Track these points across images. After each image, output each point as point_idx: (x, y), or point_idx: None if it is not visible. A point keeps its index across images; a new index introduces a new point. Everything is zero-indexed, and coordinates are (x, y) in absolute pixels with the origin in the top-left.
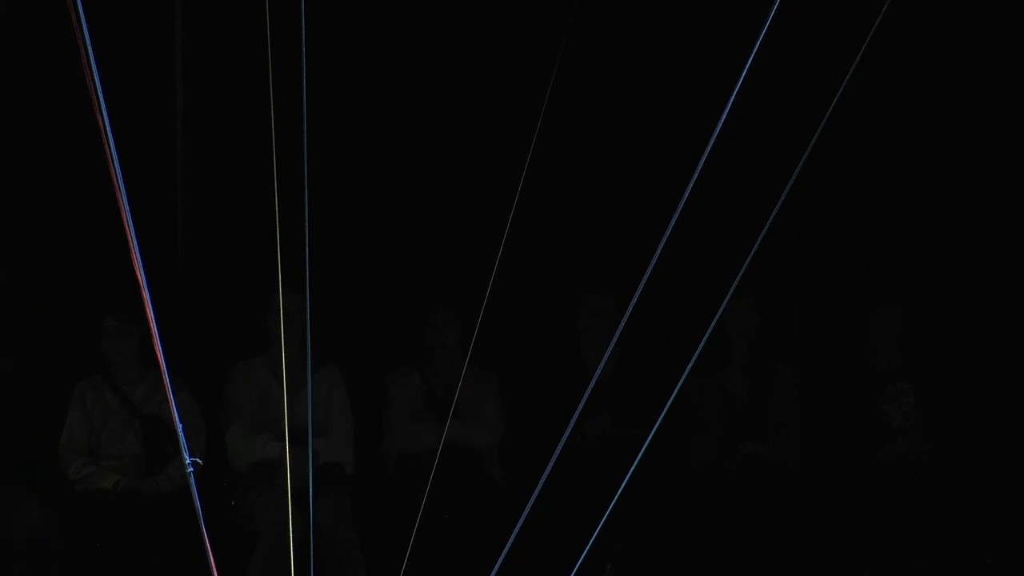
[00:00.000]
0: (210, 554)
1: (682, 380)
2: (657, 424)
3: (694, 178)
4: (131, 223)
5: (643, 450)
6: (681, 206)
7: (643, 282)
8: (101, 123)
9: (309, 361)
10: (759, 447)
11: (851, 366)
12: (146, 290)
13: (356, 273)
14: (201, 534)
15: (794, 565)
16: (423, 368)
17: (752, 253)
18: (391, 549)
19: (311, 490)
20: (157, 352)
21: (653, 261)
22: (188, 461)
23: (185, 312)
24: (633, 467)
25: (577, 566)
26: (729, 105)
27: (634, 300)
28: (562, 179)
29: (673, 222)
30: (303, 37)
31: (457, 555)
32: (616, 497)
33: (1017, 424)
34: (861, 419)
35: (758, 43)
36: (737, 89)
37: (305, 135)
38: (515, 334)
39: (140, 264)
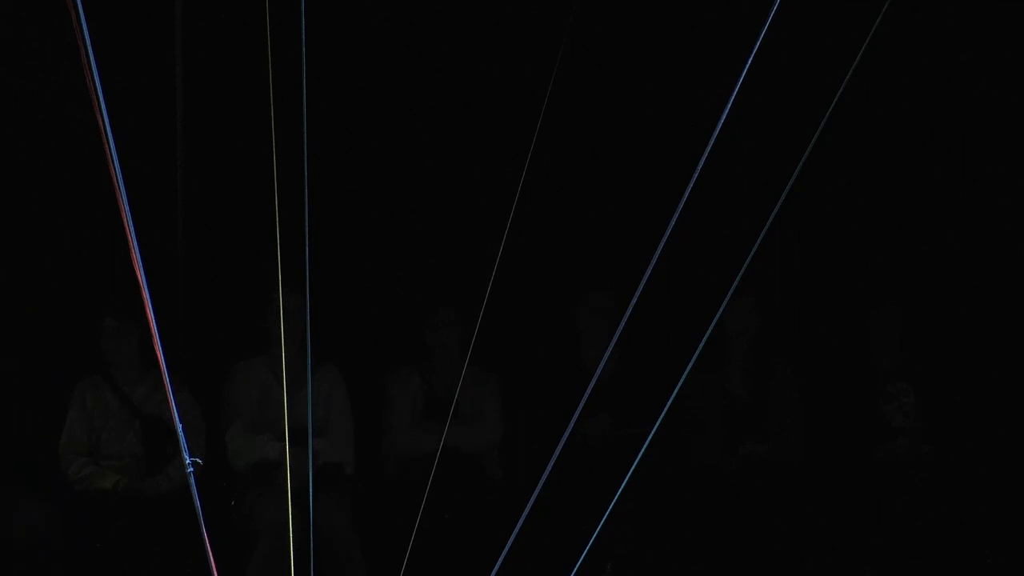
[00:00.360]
0: (210, 554)
1: (682, 380)
2: (657, 424)
3: (694, 178)
4: (131, 223)
5: (643, 450)
6: (681, 206)
7: (643, 282)
8: (101, 123)
9: (309, 361)
10: (759, 447)
11: (851, 366)
12: (146, 290)
13: (356, 273)
14: (201, 534)
15: (794, 565)
16: (423, 368)
17: (752, 253)
18: (391, 549)
19: (311, 490)
20: (157, 352)
21: (653, 261)
22: (188, 461)
23: (185, 312)
24: (633, 467)
25: (577, 566)
26: (729, 105)
27: (634, 300)
28: (562, 179)
29: (673, 222)
30: (303, 37)
31: (457, 555)
32: (616, 497)
33: (1017, 424)
34: (861, 419)
35: (758, 43)
36: (737, 89)
37: (305, 135)
38: (515, 334)
39: (140, 264)
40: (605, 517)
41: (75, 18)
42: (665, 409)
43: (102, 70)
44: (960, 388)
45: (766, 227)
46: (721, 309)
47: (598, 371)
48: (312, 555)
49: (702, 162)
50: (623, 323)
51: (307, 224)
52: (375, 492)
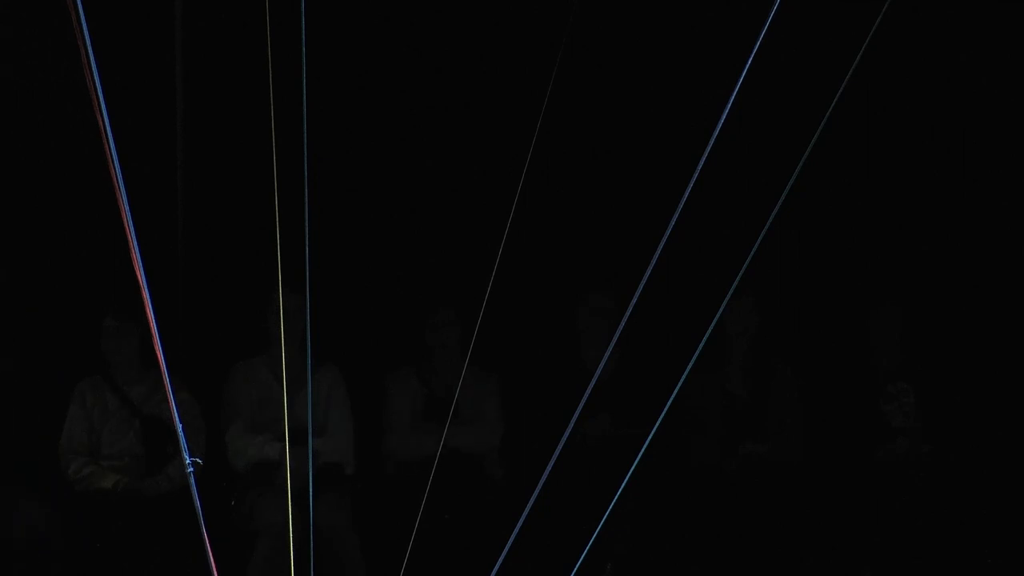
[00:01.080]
0: (210, 554)
1: (682, 380)
2: (657, 424)
3: (694, 178)
4: (131, 223)
5: (643, 450)
6: (681, 206)
7: (643, 282)
8: (101, 123)
9: (309, 361)
10: (759, 447)
11: (851, 366)
12: (146, 290)
13: (356, 273)
14: (201, 534)
15: (794, 565)
16: (423, 368)
17: (752, 253)
18: (391, 549)
19: (311, 490)
20: (157, 352)
21: (653, 261)
22: (188, 461)
23: (185, 312)
24: (633, 467)
25: (577, 566)
26: (729, 105)
27: (634, 300)
28: (562, 179)
29: (673, 222)
30: (303, 37)
31: (457, 555)
32: (616, 497)
33: (1017, 424)
34: (861, 419)
35: (758, 43)
36: (737, 89)
37: (305, 135)
38: (515, 334)
39: (140, 264)
40: (605, 517)
41: (75, 18)
42: (665, 409)
43: (102, 70)
44: (960, 388)
45: (766, 227)
46: (721, 309)
47: (598, 371)
48: (312, 555)
49: (702, 162)
50: (623, 323)
51: (307, 224)
52: (375, 492)
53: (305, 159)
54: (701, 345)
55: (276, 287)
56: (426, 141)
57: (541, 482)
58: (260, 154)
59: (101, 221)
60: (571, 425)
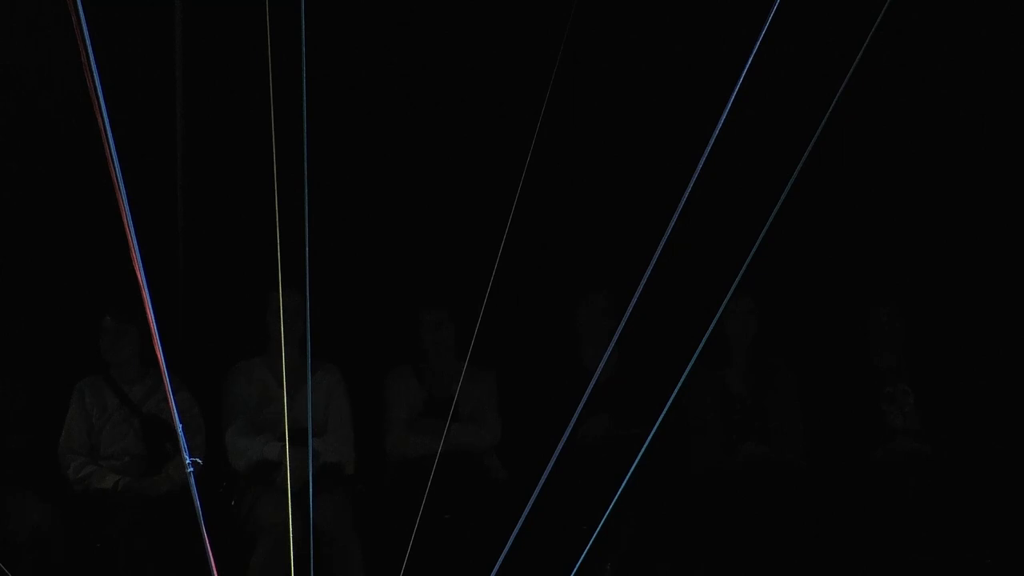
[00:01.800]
0: (210, 554)
1: (682, 380)
2: (657, 424)
3: (694, 178)
4: (131, 223)
5: (643, 450)
6: (681, 206)
7: (643, 282)
8: (101, 123)
9: (309, 361)
10: (759, 447)
11: (851, 366)
12: (146, 290)
13: (356, 273)
14: (201, 534)
15: (794, 565)
16: (422, 368)
17: (752, 253)
18: (391, 549)
19: (311, 490)
20: (157, 352)
21: (653, 261)
22: (188, 461)
23: (185, 312)
24: (633, 467)
25: (577, 566)
26: (729, 105)
27: (634, 300)
28: (561, 179)
29: (673, 222)
30: (303, 37)
31: (457, 555)
32: (616, 497)
33: (1017, 424)
34: (861, 419)
35: (758, 43)
36: (737, 89)
37: (305, 135)
38: (514, 334)
39: (140, 264)
40: (605, 517)
41: (75, 18)
42: (665, 409)
43: (102, 70)
44: (960, 388)
45: (766, 227)
46: (721, 309)
47: (598, 371)
48: (312, 555)
49: (702, 162)
50: (623, 323)
51: (307, 224)
52: (375, 492)
53: (305, 159)
54: (701, 345)
55: (276, 287)
56: (426, 141)
57: (541, 482)
58: (260, 154)
59: (101, 221)
60: (571, 425)
